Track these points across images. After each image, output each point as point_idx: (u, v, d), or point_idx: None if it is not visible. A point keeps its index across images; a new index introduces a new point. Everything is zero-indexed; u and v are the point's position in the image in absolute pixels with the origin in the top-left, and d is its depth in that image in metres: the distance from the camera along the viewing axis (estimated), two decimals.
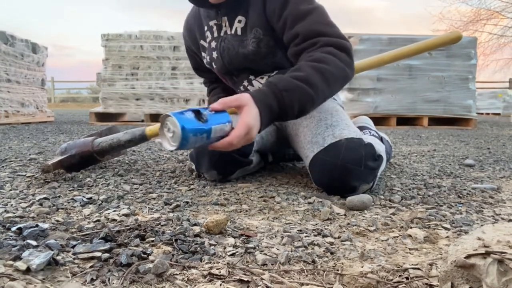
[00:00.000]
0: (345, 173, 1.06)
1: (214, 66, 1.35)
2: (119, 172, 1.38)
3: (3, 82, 4.26)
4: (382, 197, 1.10)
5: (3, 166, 1.49)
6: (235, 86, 1.39)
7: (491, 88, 13.94)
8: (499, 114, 10.90)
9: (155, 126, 1.30)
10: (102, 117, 4.84)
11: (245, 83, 1.34)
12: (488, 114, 11.36)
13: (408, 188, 1.23)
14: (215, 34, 1.30)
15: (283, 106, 0.98)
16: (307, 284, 0.55)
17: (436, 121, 4.88)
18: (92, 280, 0.55)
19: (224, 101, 0.92)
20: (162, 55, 4.71)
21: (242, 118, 0.91)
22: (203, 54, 1.39)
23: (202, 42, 1.37)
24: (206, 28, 1.33)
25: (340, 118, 1.21)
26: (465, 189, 1.22)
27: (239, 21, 1.23)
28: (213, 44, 1.31)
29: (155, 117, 4.78)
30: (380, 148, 1.22)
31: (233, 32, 1.25)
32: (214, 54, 1.32)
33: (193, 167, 1.33)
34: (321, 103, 1.10)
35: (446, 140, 3.10)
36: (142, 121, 4.95)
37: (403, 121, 4.80)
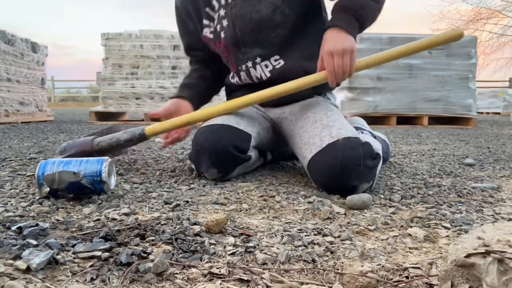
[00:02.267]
0: (344, 173, 1.06)
1: (222, 36, 1.29)
2: (119, 171, 1.38)
3: (3, 81, 4.26)
4: (382, 196, 1.10)
5: (3, 165, 1.49)
6: (236, 64, 1.34)
7: (491, 87, 13.93)
8: (499, 113, 10.90)
9: (155, 125, 1.30)
10: (102, 116, 4.84)
11: (249, 63, 1.30)
12: (488, 113, 11.36)
13: (408, 187, 1.23)
14: (223, 2, 1.26)
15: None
16: (307, 283, 0.55)
17: (436, 120, 4.88)
18: (92, 279, 0.55)
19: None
20: (162, 54, 4.71)
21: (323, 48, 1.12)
22: (205, 22, 1.32)
23: (208, 10, 1.30)
24: None
25: (335, 118, 1.20)
26: (465, 188, 1.22)
27: None
28: (222, 12, 1.27)
29: None
30: (377, 146, 1.22)
31: None
32: (224, 23, 1.27)
33: (193, 166, 1.33)
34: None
35: (446, 139, 3.10)
36: (142, 120, 4.95)
37: (403, 120, 4.80)
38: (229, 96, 1.47)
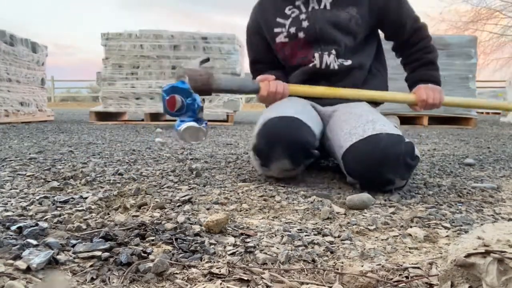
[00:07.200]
0: (384, 163, 1.06)
1: (301, 35, 1.40)
2: (119, 171, 1.38)
3: (4, 82, 4.26)
4: (382, 196, 1.10)
5: (3, 165, 1.49)
6: (313, 51, 1.41)
7: (491, 87, 13.93)
8: (499, 113, 10.89)
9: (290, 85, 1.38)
10: (102, 116, 4.84)
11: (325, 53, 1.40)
12: (488, 113, 11.35)
13: (408, 187, 1.23)
14: (303, 10, 1.40)
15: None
16: (307, 283, 0.55)
17: (436, 120, 4.88)
18: (92, 279, 0.55)
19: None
20: (162, 54, 4.71)
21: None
22: (277, 30, 1.43)
23: (279, 19, 1.43)
24: (288, 8, 1.42)
25: (379, 117, 1.23)
26: (465, 188, 1.22)
27: None
28: (303, 16, 1.40)
29: (155, 116, 4.78)
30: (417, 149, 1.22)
31: (322, 7, 1.38)
32: (304, 24, 1.39)
33: (255, 159, 1.26)
34: None
35: (446, 139, 3.10)
36: (142, 120, 4.95)
37: (403, 120, 4.78)
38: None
